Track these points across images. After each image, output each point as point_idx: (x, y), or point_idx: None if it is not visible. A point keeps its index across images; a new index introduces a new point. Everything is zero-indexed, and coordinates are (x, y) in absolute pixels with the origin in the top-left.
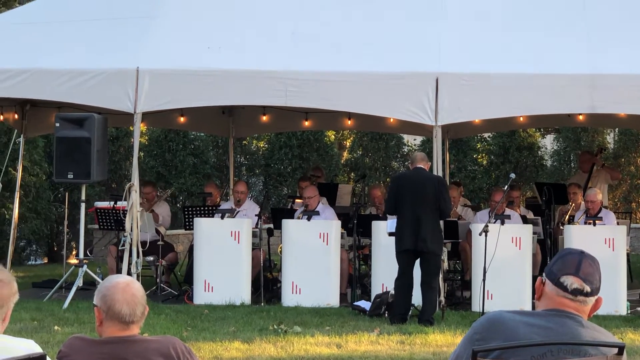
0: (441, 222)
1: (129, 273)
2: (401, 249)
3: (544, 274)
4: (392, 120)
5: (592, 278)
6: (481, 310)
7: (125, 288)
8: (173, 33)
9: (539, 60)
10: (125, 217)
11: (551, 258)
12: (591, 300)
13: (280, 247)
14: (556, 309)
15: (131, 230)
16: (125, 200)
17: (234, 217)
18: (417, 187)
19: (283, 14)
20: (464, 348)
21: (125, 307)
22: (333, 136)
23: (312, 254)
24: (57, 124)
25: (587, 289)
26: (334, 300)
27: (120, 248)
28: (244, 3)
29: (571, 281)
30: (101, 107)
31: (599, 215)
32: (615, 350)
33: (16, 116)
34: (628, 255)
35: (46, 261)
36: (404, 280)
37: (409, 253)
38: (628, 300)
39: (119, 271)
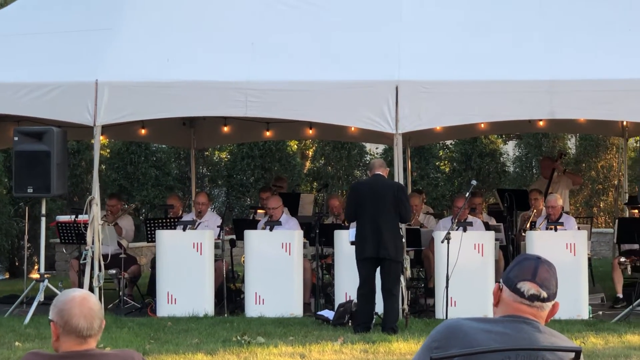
0: (403, 229)
1: (91, 287)
2: (362, 256)
3: (501, 280)
4: (353, 129)
5: (549, 283)
6: (445, 318)
7: (82, 302)
8: (133, 45)
9: (497, 67)
10: (86, 230)
11: None
12: (548, 305)
13: (243, 258)
14: (513, 314)
15: (92, 244)
16: (86, 213)
17: (195, 229)
18: (376, 194)
19: (243, 24)
20: (422, 356)
21: (83, 321)
22: (295, 146)
23: (275, 264)
24: (16, 138)
25: (544, 294)
26: (297, 310)
27: (81, 262)
28: (204, 14)
29: (528, 287)
30: (61, 121)
31: (560, 221)
32: (572, 354)
33: None
34: (589, 259)
35: (7, 276)
36: (366, 289)
37: (370, 260)
38: (590, 304)
39: (80, 285)
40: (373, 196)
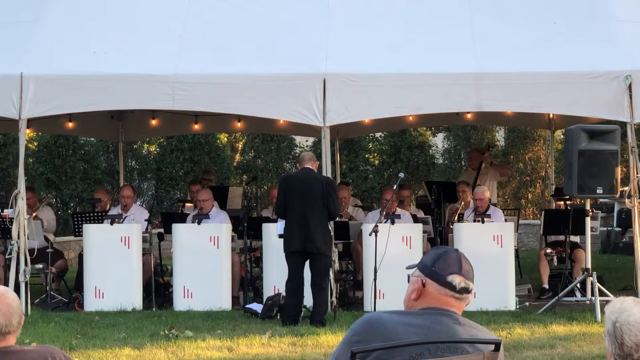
0: (331, 223)
1: (17, 282)
2: (290, 250)
3: (423, 274)
4: (282, 121)
5: (471, 275)
6: (373, 310)
7: (0, 298)
8: (58, 38)
9: (425, 59)
10: (12, 225)
11: None
12: (470, 297)
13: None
14: (434, 307)
15: (18, 238)
16: (11, 207)
17: (121, 223)
18: (305, 188)
19: (169, 17)
20: (342, 350)
21: (1, 317)
22: (225, 139)
23: (203, 257)
24: None
25: (471, 286)
26: (225, 304)
27: (7, 257)
28: (131, 7)
29: (458, 280)
30: None
31: (487, 213)
32: (492, 346)
33: None
34: (517, 251)
35: None
36: (294, 282)
37: (298, 254)
38: (517, 295)
39: (6, 280)
40: (302, 189)
